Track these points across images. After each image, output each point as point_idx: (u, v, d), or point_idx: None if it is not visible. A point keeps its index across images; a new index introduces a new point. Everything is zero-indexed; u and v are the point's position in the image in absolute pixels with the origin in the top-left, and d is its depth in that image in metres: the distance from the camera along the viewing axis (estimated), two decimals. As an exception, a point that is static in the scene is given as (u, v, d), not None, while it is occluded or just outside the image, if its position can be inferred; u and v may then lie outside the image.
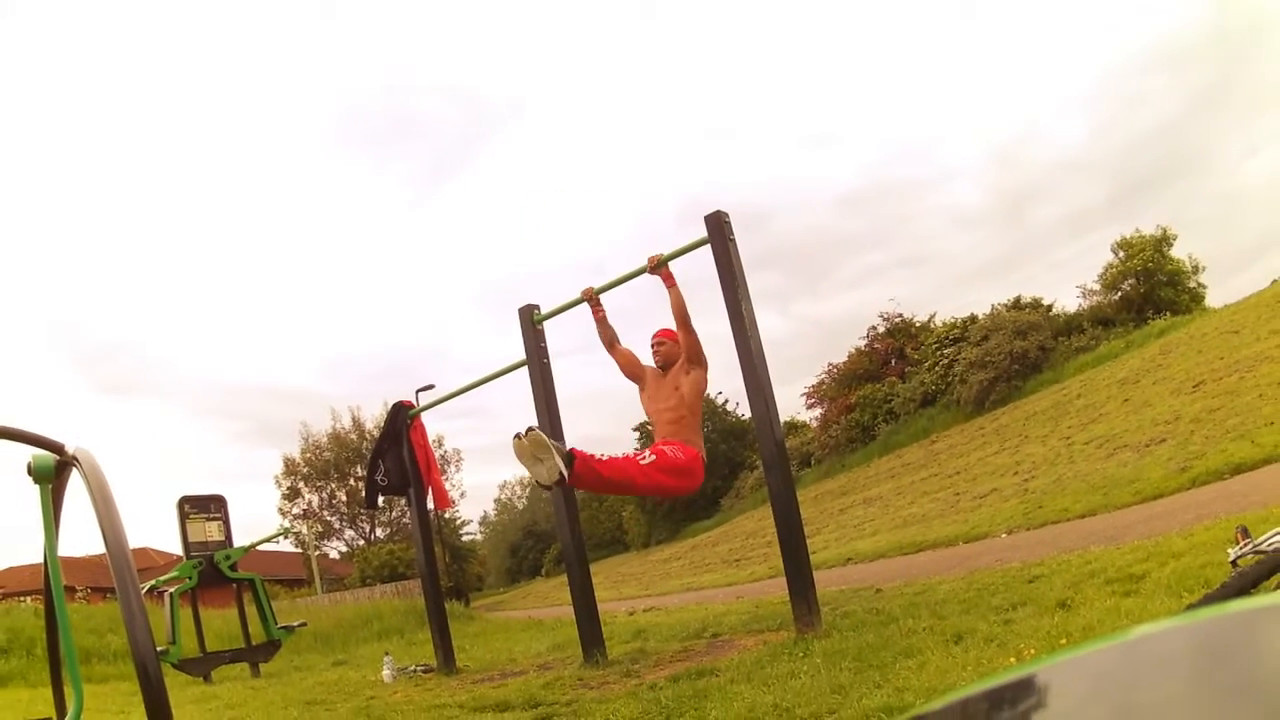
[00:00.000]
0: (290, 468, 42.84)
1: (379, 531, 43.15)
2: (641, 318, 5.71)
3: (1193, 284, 24.88)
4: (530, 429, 3.92)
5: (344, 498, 42.95)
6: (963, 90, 64.92)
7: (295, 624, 9.88)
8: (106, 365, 60.48)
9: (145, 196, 65.34)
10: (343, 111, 71.43)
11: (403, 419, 7.41)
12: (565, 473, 3.89)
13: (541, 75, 74.60)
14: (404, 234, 74.03)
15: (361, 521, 43.32)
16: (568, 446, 4.08)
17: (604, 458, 4.10)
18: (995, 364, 23.25)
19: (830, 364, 31.49)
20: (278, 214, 69.28)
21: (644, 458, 4.27)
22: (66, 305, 56.08)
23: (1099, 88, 54.44)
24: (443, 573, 18.14)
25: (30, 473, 1.80)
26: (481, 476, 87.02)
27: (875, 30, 67.45)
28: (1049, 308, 26.40)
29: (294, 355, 72.22)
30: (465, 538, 49.43)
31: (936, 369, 26.03)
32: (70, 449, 1.75)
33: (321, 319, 70.01)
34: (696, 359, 4.76)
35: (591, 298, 5.29)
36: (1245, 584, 2.95)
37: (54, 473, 1.81)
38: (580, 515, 6.40)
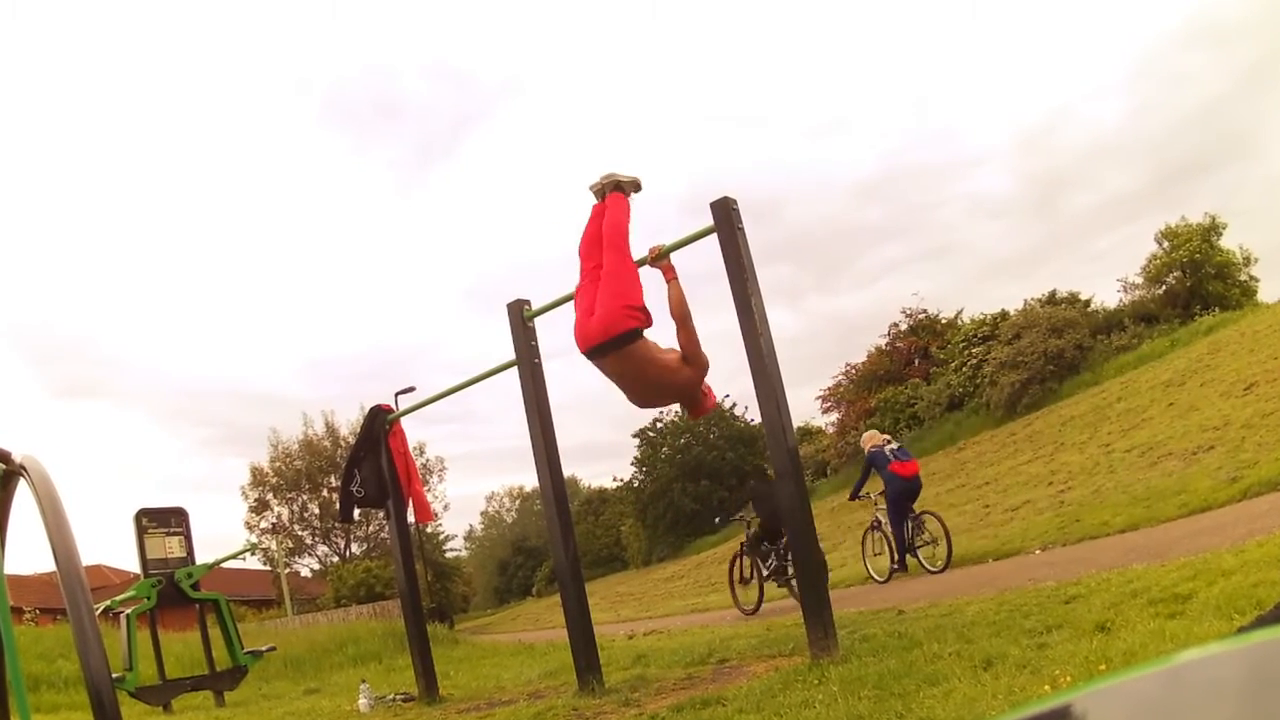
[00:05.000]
0: (258, 478, 42.86)
1: (354, 547, 43.16)
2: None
3: (1244, 277, 24.89)
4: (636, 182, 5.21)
5: (316, 510, 42.96)
6: (988, 70, 65.01)
7: (263, 648, 9.87)
8: (61, 365, 60.55)
9: (105, 184, 65.39)
10: (322, 90, 71.55)
11: (381, 424, 7.41)
12: (614, 189, 5.11)
13: (538, 54, 74.74)
14: (388, 224, 74.20)
15: (336, 537, 43.35)
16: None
17: (620, 229, 4.99)
18: (1028, 364, 23.26)
19: (848, 364, 31.59)
20: (250, 202, 69.38)
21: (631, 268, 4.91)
22: (18, 299, 56.08)
23: (1137, 66, 54.60)
24: (424, 592, 18.13)
25: (-27, 483, 1.79)
26: (467, 487, 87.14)
27: (892, 7, 67.51)
28: (1087, 303, 26.42)
29: (267, 355, 72.35)
30: (449, 554, 49.46)
31: (964, 370, 26.04)
32: (17, 457, 1.74)
33: (298, 316, 70.18)
34: (693, 359, 4.83)
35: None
36: (1301, 605, 2.94)
37: (-1, 483, 1.81)
38: (576, 530, 6.40)
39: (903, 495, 9.54)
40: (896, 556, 9.66)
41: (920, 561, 9.40)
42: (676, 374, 4.86)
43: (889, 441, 10.00)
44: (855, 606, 7.44)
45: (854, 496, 10.56)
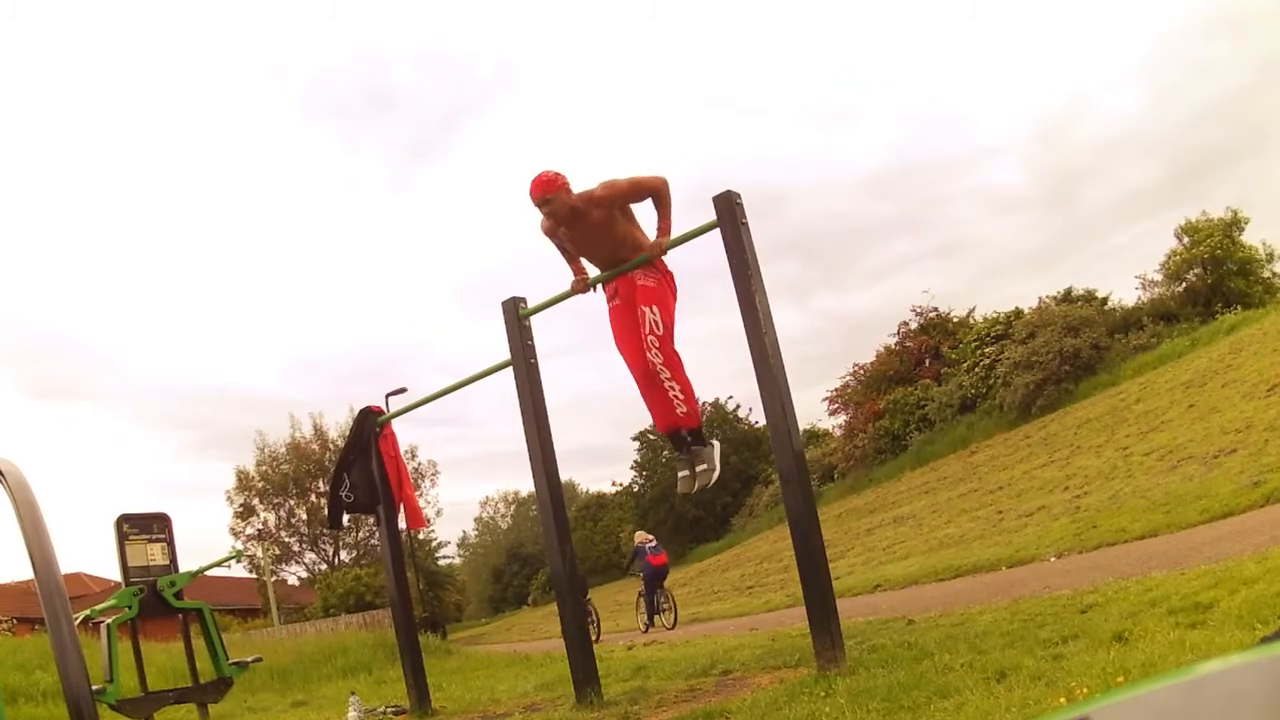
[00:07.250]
0: (244, 482, 42.85)
1: (344, 555, 43.18)
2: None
3: (1267, 273, 24.90)
4: None
5: (304, 516, 42.95)
6: (1000, 59, 65.01)
7: (249, 659, 9.83)
8: (41, 365, 60.56)
9: (87, 178, 65.39)
10: (311, 81, 71.55)
11: (371, 427, 7.41)
12: None
13: (535, 43, 74.76)
14: (379, 219, 74.20)
15: (324, 543, 43.35)
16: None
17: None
18: (1043, 364, 23.26)
19: (856, 365, 31.62)
20: (237, 198, 69.43)
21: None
22: (-7, 297, 56.05)
23: (1154, 55, 54.55)
24: (416, 601, 18.12)
25: (-53, 488, 1.79)
26: (460, 492, 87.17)
27: (906, -13, 67.47)
28: (1104, 301, 26.44)
29: (253, 356, 72.38)
30: (442, 561, 49.57)
31: (976, 370, 26.05)
32: (-7, 461, 1.74)
33: (286, 315, 70.19)
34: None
35: (585, 290, 5.33)
36: (1326, 614, 2.94)
37: (-25, 488, 1.81)
38: (573, 536, 6.39)
39: (654, 577, 14.28)
40: (648, 617, 14.42)
41: (661, 620, 14.14)
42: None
43: (649, 540, 14.78)
44: (863, 615, 7.44)
45: (625, 573, 15.89)
